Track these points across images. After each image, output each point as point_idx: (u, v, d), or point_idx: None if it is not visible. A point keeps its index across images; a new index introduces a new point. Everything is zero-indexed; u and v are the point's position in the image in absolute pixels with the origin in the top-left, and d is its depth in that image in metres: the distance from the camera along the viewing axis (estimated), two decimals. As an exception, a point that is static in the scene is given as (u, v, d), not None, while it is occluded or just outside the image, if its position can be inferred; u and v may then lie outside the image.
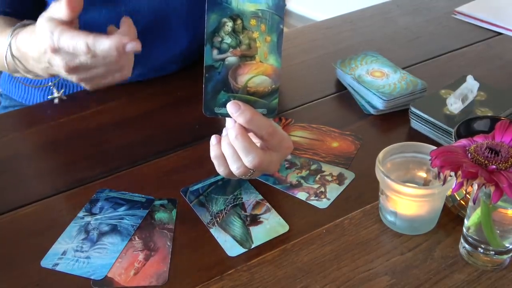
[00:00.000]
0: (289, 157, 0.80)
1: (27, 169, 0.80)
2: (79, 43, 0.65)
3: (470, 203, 0.63)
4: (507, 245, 0.62)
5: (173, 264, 0.65)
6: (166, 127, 0.88)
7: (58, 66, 0.69)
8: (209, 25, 0.65)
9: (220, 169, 0.69)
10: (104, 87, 0.72)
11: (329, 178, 0.77)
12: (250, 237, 0.68)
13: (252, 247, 0.67)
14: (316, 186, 0.75)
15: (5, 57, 0.77)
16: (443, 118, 0.83)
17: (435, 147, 0.62)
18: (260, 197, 0.74)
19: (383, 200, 0.68)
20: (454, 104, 0.84)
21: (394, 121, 0.88)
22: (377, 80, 0.92)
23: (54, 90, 0.75)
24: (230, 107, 0.65)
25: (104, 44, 0.65)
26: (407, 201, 0.66)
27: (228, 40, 0.65)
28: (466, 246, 0.64)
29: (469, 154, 0.57)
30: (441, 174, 0.56)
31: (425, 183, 0.70)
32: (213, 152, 0.68)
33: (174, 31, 0.94)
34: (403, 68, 0.98)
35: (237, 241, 0.67)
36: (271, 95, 0.66)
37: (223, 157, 0.67)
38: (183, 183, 0.76)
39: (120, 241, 0.68)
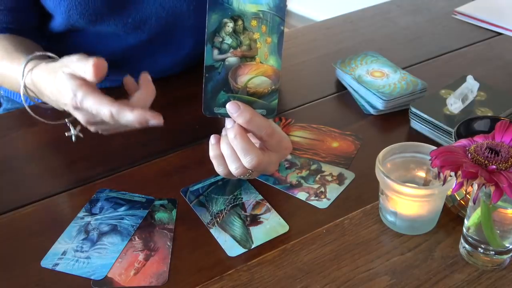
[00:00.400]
0: (289, 157, 0.80)
1: (27, 169, 0.80)
2: (103, 110, 0.65)
3: (470, 203, 0.63)
4: (507, 245, 0.63)
5: (173, 264, 0.65)
6: (166, 127, 0.88)
7: (78, 118, 0.70)
8: (210, 25, 0.65)
9: (219, 169, 0.69)
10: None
11: (329, 178, 0.77)
12: (250, 237, 0.68)
13: (252, 247, 0.67)
14: (316, 186, 0.75)
15: (22, 84, 0.76)
16: (443, 118, 0.83)
17: (435, 147, 0.62)
18: (260, 197, 0.74)
19: (383, 200, 0.68)
20: (454, 104, 0.84)
21: (394, 121, 0.88)
22: (377, 80, 0.92)
23: (71, 127, 0.76)
24: (230, 107, 0.65)
25: (128, 117, 0.64)
26: (407, 201, 0.66)
27: (228, 40, 0.65)
28: (466, 246, 0.64)
29: (469, 154, 0.57)
30: (441, 174, 0.56)
31: (425, 183, 0.70)
32: (212, 152, 0.68)
33: (179, 38, 0.94)
34: (403, 68, 0.98)
35: (237, 241, 0.68)
36: (271, 96, 0.66)
37: (222, 157, 0.67)
38: (183, 183, 0.76)
39: (120, 241, 0.68)
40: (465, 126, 0.73)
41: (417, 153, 0.70)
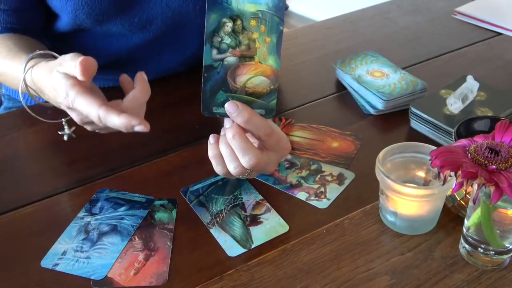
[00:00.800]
0: (289, 157, 0.80)
1: (27, 169, 0.80)
2: (92, 113, 0.65)
3: (470, 203, 0.63)
4: (507, 245, 0.62)
5: (173, 264, 0.65)
6: (166, 127, 0.88)
7: (73, 118, 0.71)
8: (209, 25, 0.65)
9: (217, 169, 0.69)
10: None
11: (329, 178, 0.77)
12: (250, 237, 0.68)
13: (252, 247, 0.67)
14: (316, 186, 0.75)
15: (21, 82, 0.76)
16: (443, 118, 0.82)
17: (435, 147, 0.62)
18: (260, 197, 0.74)
19: (383, 200, 0.68)
20: (454, 104, 0.84)
21: (394, 121, 0.88)
22: (377, 80, 0.92)
23: (66, 127, 0.76)
24: (228, 107, 0.65)
25: (114, 121, 0.65)
26: (407, 201, 0.66)
27: (227, 40, 0.65)
28: (466, 246, 0.64)
29: (469, 154, 0.57)
30: (441, 174, 0.56)
31: (425, 183, 0.70)
32: (211, 152, 0.68)
33: (185, 38, 0.94)
34: (403, 68, 0.98)
35: (237, 241, 0.67)
36: (270, 96, 0.66)
37: (220, 157, 0.67)
38: (183, 183, 0.76)
39: (120, 241, 0.68)
40: (465, 126, 0.73)
41: (417, 153, 0.70)
